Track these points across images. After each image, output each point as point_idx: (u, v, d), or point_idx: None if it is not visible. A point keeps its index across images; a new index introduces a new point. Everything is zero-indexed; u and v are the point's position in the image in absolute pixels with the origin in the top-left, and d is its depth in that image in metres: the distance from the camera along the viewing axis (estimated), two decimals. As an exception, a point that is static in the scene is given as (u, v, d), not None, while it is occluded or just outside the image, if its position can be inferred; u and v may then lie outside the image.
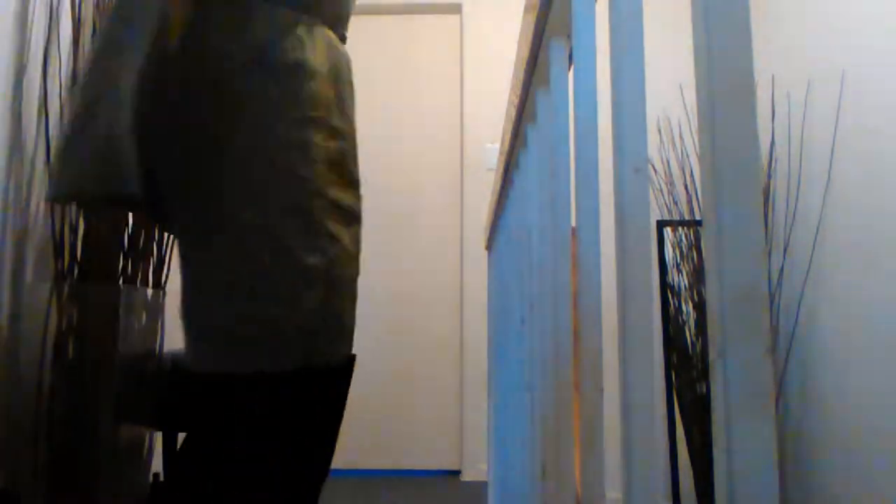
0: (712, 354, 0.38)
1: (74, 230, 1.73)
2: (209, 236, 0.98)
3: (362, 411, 2.98)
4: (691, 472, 2.76)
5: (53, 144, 1.75)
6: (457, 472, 3.27)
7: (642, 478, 0.49)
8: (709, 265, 0.39)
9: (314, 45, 1.04)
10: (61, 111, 1.78)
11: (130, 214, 1.77)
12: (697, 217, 2.96)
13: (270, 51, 1.00)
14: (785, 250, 2.71)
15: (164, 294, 1.84)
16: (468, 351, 3.29)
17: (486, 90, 3.43)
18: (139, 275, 1.79)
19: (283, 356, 0.95)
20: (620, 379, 0.51)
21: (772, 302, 2.77)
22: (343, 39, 1.16)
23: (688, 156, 3.20)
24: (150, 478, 1.83)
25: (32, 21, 1.77)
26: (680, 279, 2.86)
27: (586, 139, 0.68)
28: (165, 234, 1.90)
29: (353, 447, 3.28)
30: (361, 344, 3.13)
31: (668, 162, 3.23)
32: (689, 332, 2.80)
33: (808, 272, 2.54)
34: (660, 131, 3.29)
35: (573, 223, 0.72)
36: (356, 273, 1.05)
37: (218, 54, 0.99)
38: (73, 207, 1.74)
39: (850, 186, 2.31)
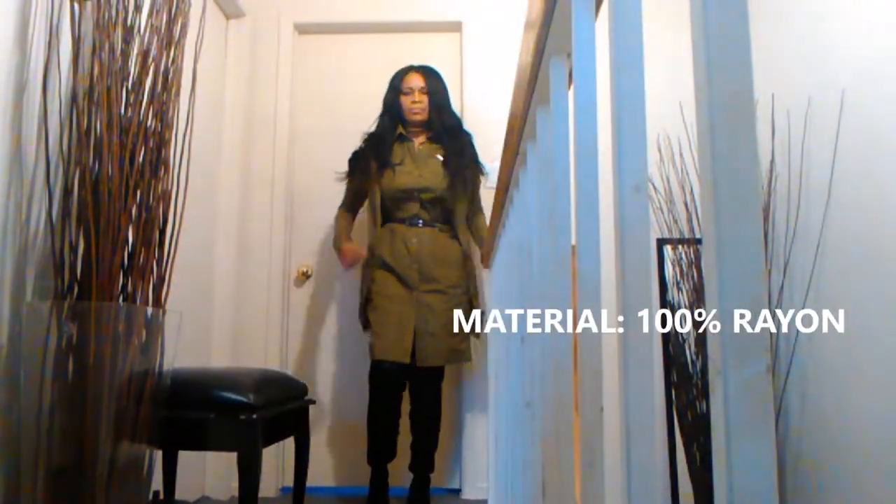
0: (712, 372, 0.38)
1: (74, 248, 1.73)
2: None
3: (364, 430, 2.96)
4: (691, 491, 2.74)
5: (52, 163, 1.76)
6: (457, 491, 3.25)
7: (642, 496, 0.49)
8: (709, 283, 0.39)
9: None
10: (61, 129, 1.78)
11: (130, 232, 1.77)
12: (698, 235, 2.96)
13: None
14: (785, 268, 2.71)
15: (164, 312, 1.84)
16: (468, 369, 3.28)
17: (486, 108, 3.44)
18: (139, 293, 1.78)
19: None
20: (620, 397, 0.51)
21: (771, 320, 2.77)
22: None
23: (688, 174, 3.21)
24: (151, 496, 1.81)
25: (32, 39, 1.78)
26: (680, 297, 2.86)
27: (586, 157, 0.68)
28: (166, 253, 1.90)
29: (355, 465, 3.26)
30: (362, 364, 3.11)
31: (668, 180, 3.24)
32: (689, 351, 2.79)
33: (807, 290, 2.54)
34: (660, 149, 3.30)
35: (573, 241, 0.72)
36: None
37: None
38: (73, 225, 1.74)
39: (850, 204, 2.32)
